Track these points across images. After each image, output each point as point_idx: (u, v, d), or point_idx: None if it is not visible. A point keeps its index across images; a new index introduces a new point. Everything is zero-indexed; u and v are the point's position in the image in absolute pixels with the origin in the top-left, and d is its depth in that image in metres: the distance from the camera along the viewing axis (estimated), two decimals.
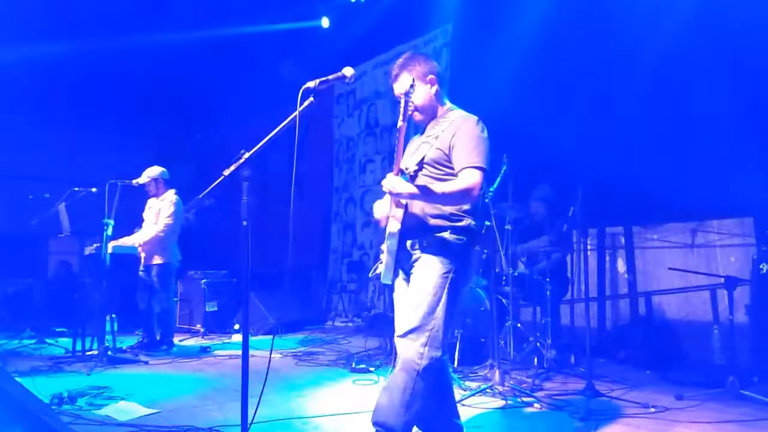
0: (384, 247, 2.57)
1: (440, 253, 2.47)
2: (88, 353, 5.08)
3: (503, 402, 3.61)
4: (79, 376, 4.40)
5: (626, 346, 4.94)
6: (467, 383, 4.02)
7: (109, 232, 5.07)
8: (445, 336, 2.43)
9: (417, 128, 2.80)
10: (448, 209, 2.50)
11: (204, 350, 5.79)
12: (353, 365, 4.74)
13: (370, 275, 2.81)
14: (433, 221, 2.50)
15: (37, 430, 2.38)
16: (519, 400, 3.65)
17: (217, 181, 2.57)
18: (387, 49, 8.58)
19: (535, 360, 4.49)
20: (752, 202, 4.46)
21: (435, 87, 2.65)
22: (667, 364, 4.51)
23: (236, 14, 8.41)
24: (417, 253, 2.53)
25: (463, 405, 3.47)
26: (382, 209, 2.67)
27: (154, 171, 5.94)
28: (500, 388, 3.78)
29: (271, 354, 2.81)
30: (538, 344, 4.59)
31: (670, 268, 4.96)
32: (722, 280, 3.94)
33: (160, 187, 5.95)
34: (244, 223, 2.32)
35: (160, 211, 5.87)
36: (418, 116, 2.67)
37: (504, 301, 4.91)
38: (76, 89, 9.22)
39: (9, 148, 9.79)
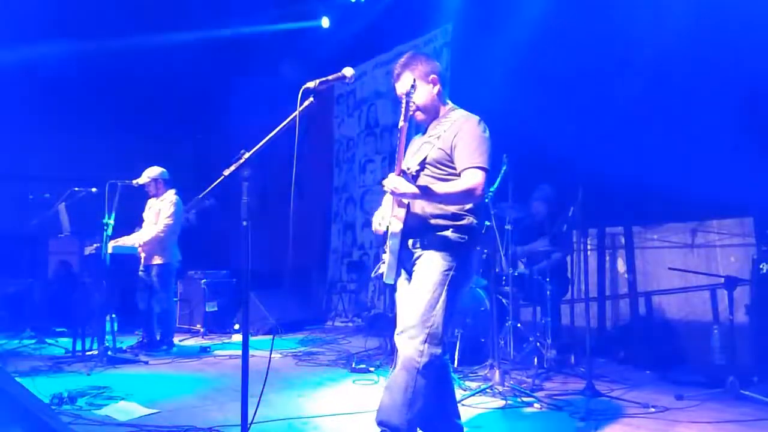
0: (386, 247, 2.57)
1: (441, 250, 2.47)
2: (88, 353, 5.08)
3: (503, 402, 3.61)
4: (79, 376, 4.40)
5: (626, 346, 4.94)
6: (467, 383, 4.02)
7: (109, 231, 5.08)
8: (444, 333, 2.44)
9: (418, 128, 2.80)
10: (451, 209, 2.50)
11: (204, 350, 5.79)
12: (353, 365, 4.74)
13: (372, 275, 2.81)
14: (435, 220, 2.50)
15: (37, 430, 2.38)
16: (519, 400, 3.64)
17: (217, 181, 2.57)
18: (387, 49, 8.58)
19: (535, 360, 4.49)
20: (752, 202, 4.46)
21: (437, 87, 2.65)
22: (667, 364, 4.50)
23: (236, 14, 8.41)
24: (418, 251, 2.53)
25: (463, 405, 3.46)
26: (381, 218, 2.66)
27: (154, 171, 5.94)
28: (500, 388, 3.78)
29: (271, 354, 2.81)
30: (538, 344, 4.59)
31: (670, 268, 4.96)
32: (722, 280, 3.94)
33: (160, 187, 5.95)
34: (244, 223, 2.32)
35: (160, 211, 5.87)
36: (420, 116, 2.66)
37: (504, 301, 4.91)
38: (76, 89, 9.21)
39: (9, 149, 9.80)
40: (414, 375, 2.38)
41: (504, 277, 4.75)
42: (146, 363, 5.07)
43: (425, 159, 2.55)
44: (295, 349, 5.85)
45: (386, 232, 2.59)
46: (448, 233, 2.48)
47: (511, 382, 3.93)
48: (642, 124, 5.11)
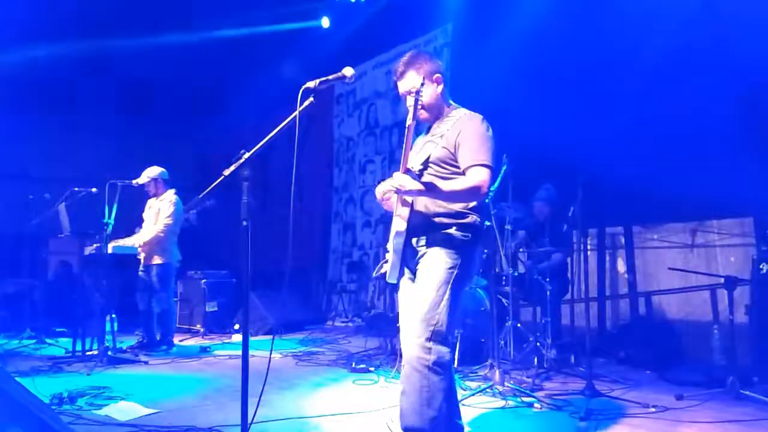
0: (390, 246, 2.57)
1: (446, 248, 2.47)
2: (88, 353, 5.08)
3: (503, 402, 3.61)
4: (79, 376, 4.40)
5: (626, 346, 4.94)
6: (467, 383, 4.02)
7: (109, 231, 5.08)
8: (449, 332, 2.44)
9: (420, 128, 2.80)
10: (455, 207, 2.50)
11: (204, 350, 5.79)
12: (353, 365, 4.74)
13: (375, 275, 2.81)
14: (439, 219, 2.50)
15: (37, 430, 2.38)
16: (519, 400, 3.64)
17: (217, 181, 2.57)
18: (387, 49, 8.59)
19: (535, 360, 4.49)
20: (752, 202, 4.46)
21: (441, 86, 2.65)
22: (667, 364, 4.50)
23: (237, 14, 8.41)
24: (422, 249, 2.53)
25: (464, 405, 3.46)
26: (384, 188, 2.65)
27: (153, 171, 5.94)
28: (500, 388, 3.78)
29: (271, 354, 2.81)
30: (538, 344, 4.59)
31: (670, 268, 4.96)
32: (722, 280, 3.94)
33: (160, 187, 5.95)
34: (244, 223, 2.32)
35: (159, 211, 5.87)
36: (423, 115, 2.66)
37: (504, 301, 4.90)
38: (76, 89, 9.22)
39: (9, 149, 9.79)
40: (426, 374, 2.39)
41: (504, 277, 4.75)
42: (146, 363, 5.07)
43: (429, 158, 2.55)
44: (295, 349, 5.85)
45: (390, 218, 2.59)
46: (452, 231, 2.48)
47: (511, 382, 3.93)
48: (642, 124, 5.11)
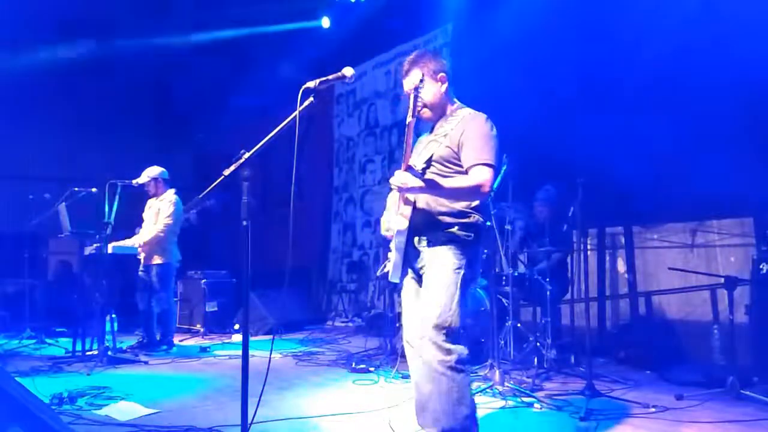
0: (392, 245, 2.56)
1: (450, 249, 2.47)
2: (88, 353, 5.08)
3: (503, 402, 3.61)
4: (79, 376, 4.40)
5: (626, 346, 4.94)
6: None
7: (108, 231, 5.08)
8: (460, 330, 2.46)
9: (424, 128, 2.79)
10: (456, 206, 2.50)
11: (204, 350, 5.79)
12: (353, 365, 4.74)
13: (378, 274, 2.82)
14: (441, 217, 2.50)
15: (37, 430, 2.38)
16: (519, 400, 3.64)
17: (217, 181, 2.57)
18: (387, 49, 8.58)
19: (535, 360, 4.49)
20: (752, 202, 4.46)
21: (445, 85, 2.65)
22: (667, 364, 4.50)
23: (237, 14, 8.41)
24: (425, 249, 2.52)
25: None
26: (388, 221, 2.66)
27: (153, 171, 5.94)
28: (500, 388, 3.78)
29: (271, 354, 2.81)
30: (538, 344, 4.59)
31: (670, 268, 4.96)
32: (722, 280, 3.94)
33: (160, 187, 5.95)
34: (244, 223, 2.32)
35: (159, 211, 5.87)
36: (427, 113, 2.66)
37: (504, 301, 4.90)
38: (77, 89, 9.23)
39: (9, 149, 9.79)
40: (450, 374, 2.41)
41: (504, 277, 4.75)
42: (146, 363, 5.07)
43: (432, 157, 2.55)
44: (295, 349, 5.85)
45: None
46: (455, 230, 2.48)
47: (511, 382, 3.93)
48: (642, 124, 5.10)
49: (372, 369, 4.63)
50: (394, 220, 2.60)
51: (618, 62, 5.13)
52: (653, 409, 3.40)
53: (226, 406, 3.58)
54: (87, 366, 4.62)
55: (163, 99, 9.95)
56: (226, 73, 9.71)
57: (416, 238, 2.55)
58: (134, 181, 5.60)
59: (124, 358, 5.16)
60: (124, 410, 3.43)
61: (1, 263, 7.27)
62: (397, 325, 5.18)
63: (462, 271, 2.47)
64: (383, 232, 2.72)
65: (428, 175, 2.51)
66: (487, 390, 3.79)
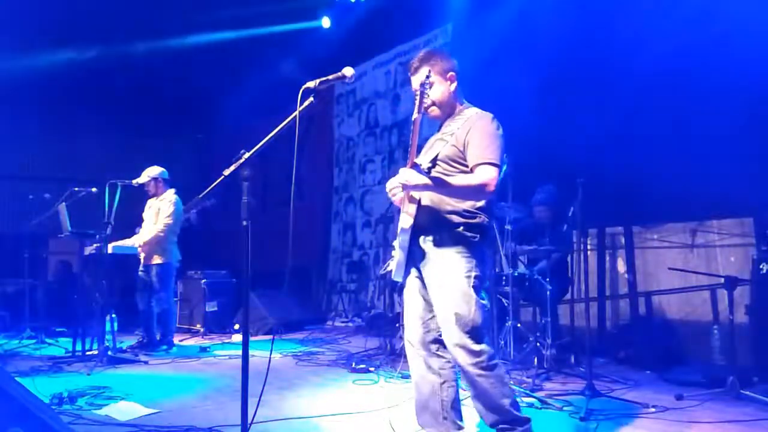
0: (396, 243, 2.56)
1: (457, 251, 2.47)
2: (88, 353, 5.08)
3: None
4: (79, 376, 4.40)
5: (626, 346, 4.94)
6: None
7: (108, 231, 5.08)
8: (483, 324, 2.48)
9: (432, 128, 2.78)
10: (462, 205, 2.49)
11: (204, 350, 5.79)
12: (353, 365, 4.73)
13: (381, 272, 2.82)
14: (446, 216, 2.49)
15: (37, 430, 2.38)
16: (519, 400, 3.63)
17: (217, 181, 2.57)
18: (387, 49, 8.59)
19: (535, 360, 4.49)
20: (752, 202, 4.46)
21: (454, 84, 2.65)
22: (667, 364, 4.50)
23: (237, 14, 8.41)
24: (431, 250, 2.51)
25: (464, 405, 3.46)
26: (393, 184, 2.64)
27: (153, 171, 5.94)
28: None
29: (271, 354, 2.81)
30: (538, 344, 4.59)
31: (670, 268, 4.96)
32: (722, 280, 3.93)
33: (160, 187, 5.95)
34: (244, 223, 2.32)
35: (159, 211, 5.87)
36: (434, 112, 2.65)
37: (504, 301, 4.90)
38: (77, 90, 9.23)
39: (9, 149, 9.80)
40: (487, 374, 2.43)
41: (504, 277, 4.75)
42: (146, 363, 5.07)
43: (437, 156, 2.54)
44: (295, 349, 5.84)
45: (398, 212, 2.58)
46: (461, 231, 2.47)
47: (511, 382, 3.91)
48: (642, 124, 5.10)
49: (372, 369, 4.63)
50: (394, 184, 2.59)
51: (618, 62, 5.13)
52: (653, 409, 3.40)
53: (226, 406, 3.58)
54: (87, 366, 4.62)
55: (163, 99, 9.94)
56: (227, 73, 9.72)
57: (421, 237, 2.53)
58: (134, 181, 5.60)
59: (124, 358, 5.17)
60: (124, 410, 3.43)
61: (1, 263, 7.28)
62: (397, 324, 5.19)
63: (473, 273, 2.46)
64: (387, 191, 2.68)
65: (433, 174, 2.50)
66: None
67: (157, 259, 5.75)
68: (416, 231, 2.51)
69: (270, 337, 6.42)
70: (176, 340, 6.03)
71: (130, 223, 6.16)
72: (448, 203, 2.50)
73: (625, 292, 5.54)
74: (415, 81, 2.63)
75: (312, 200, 9.62)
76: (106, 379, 4.32)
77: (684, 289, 5.06)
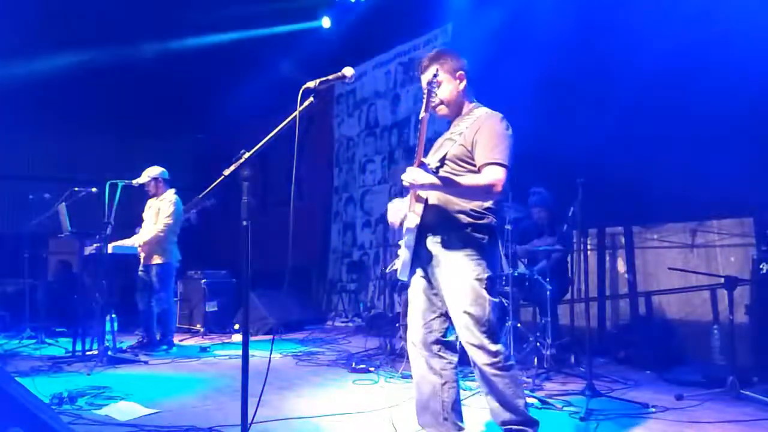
0: (402, 242, 2.55)
1: (466, 254, 2.46)
2: (88, 353, 5.08)
3: None
4: (79, 376, 4.40)
5: (626, 346, 4.94)
6: (467, 383, 4.02)
7: (108, 231, 5.08)
8: (497, 324, 2.49)
9: (441, 128, 2.77)
10: (469, 206, 2.48)
11: (204, 350, 5.79)
12: (353, 365, 4.74)
13: (387, 271, 2.81)
14: (454, 216, 2.48)
15: (37, 430, 2.38)
16: None
17: (217, 181, 2.57)
18: (387, 49, 8.59)
19: (535, 360, 4.49)
20: (752, 202, 4.46)
21: (463, 83, 2.64)
22: (667, 364, 4.50)
23: (237, 14, 8.41)
24: (439, 252, 2.50)
25: (464, 405, 3.45)
26: (396, 212, 2.64)
27: (154, 171, 5.94)
28: None
29: (271, 354, 2.81)
30: (538, 344, 4.59)
31: (670, 268, 4.96)
32: (722, 280, 3.94)
33: (160, 187, 5.95)
34: (244, 223, 2.32)
35: (159, 211, 5.87)
36: (443, 110, 2.64)
37: (504, 301, 4.90)
38: (76, 90, 9.22)
39: (9, 149, 9.80)
40: (503, 374, 2.45)
41: (504, 277, 4.75)
42: (146, 363, 5.07)
43: (446, 155, 2.54)
44: (295, 349, 5.84)
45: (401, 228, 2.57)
46: (469, 232, 2.47)
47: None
48: (642, 123, 5.10)
49: (372, 369, 4.63)
50: (397, 213, 2.59)
51: (618, 62, 5.13)
52: (653, 409, 3.40)
53: (226, 406, 3.58)
54: (87, 366, 4.62)
55: (163, 99, 9.94)
56: (227, 73, 9.72)
57: (429, 238, 2.52)
58: (134, 181, 5.60)
59: (124, 358, 5.16)
60: (124, 410, 3.43)
61: (1, 263, 7.28)
62: (397, 324, 5.19)
63: (485, 275, 2.46)
64: (390, 219, 2.69)
65: (441, 173, 2.49)
66: None
67: (157, 259, 5.75)
68: (423, 231, 2.50)
69: (270, 337, 6.41)
70: (176, 340, 6.03)
71: (130, 223, 6.16)
72: (456, 203, 2.48)
73: (625, 292, 5.54)
74: (424, 79, 2.61)
75: (312, 200, 9.62)
76: (106, 379, 4.32)
77: (684, 289, 5.06)
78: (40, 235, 6.73)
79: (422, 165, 2.43)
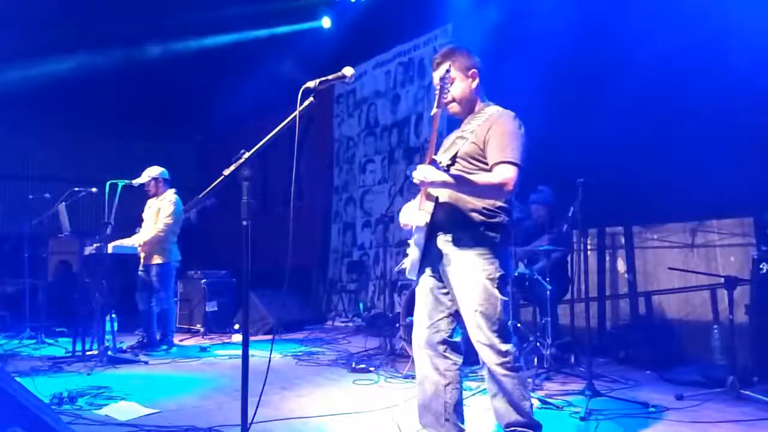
0: (411, 241, 2.54)
1: (478, 253, 2.45)
2: (88, 353, 5.08)
3: None
4: (79, 376, 4.40)
5: (626, 346, 4.94)
6: (467, 383, 4.02)
7: (108, 231, 5.08)
8: (508, 322, 2.48)
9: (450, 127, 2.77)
10: (482, 204, 2.47)
11: (204, 350, 5.79)
12: (353, 365, 4.74)
13: (396, 269, 2.80)
14: (466, 215, 2.47)
15: (37, 430, 2.38)
16: None
17: (217, 181, 2.57)
18: (387, 49, 8.59)
19: (535, 360, 4.49)
20: (752, 202, 4.46)
21: (476, 81, 2.64)
22: (667, 364, 4.50)
23: (237, 14, 8.41)
24: (451, 251, 2.49)
25: (466, 406, 3.45)
26: (409, 214, 2.62)
27: (154, 171, 5.94)
28: None
29: (271, 354, 2.81)
30: (538, 344, 4.59)
31: (670, 268, 4.96)
32: (722, 280, 3.94)
33: (160, 187, 5.95)
34: (244, 223, 2.32)
35: (159, 211, 5.87)
36: (454, 108, 2.63)
37: None
38: (76, 90, 9.23)
39: (9, 149, 9.80)
40: (512, 374, 2.45)
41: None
42: (146, 363, 5.07)
43: (457, 153, 2.53)
44: (295, 349, 5.84)
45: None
46: (482, 230, 2.46)
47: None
48: (642, 123, 5.10)
49: (372, 369, 4.63)
50: (415, 215, 2.56)
51: (618, 62, 5.13)
52: (653, 409, 3.40)
53: (226, 406, 3.58)
54: (87, 366, 4.62)
55: (163, 99, 9.94)
56: (227, 73, 9.72)
57: (440, 236, 2.51)
58: (134, 181, 5.60)
59: (124, 358, 5.16)
60: (124, 410, 3.43)
61: (1, 263, 7.28)
62: (397, 325, 5.19)
63: (498, 274, 2.45)
64: (401, 222, 2.69)
65: (452, 171, 2.48)
66: (487, 390, 3.78)
67: (157, 259, 5.75)
68: (433, 229, 2.49)
69: (270, 337, 6.42)
70: (176, 340, 6.03)
71: (130, 223, 6.16)
72: (468, 201, 2.47)
73: (625, 292, 5.54)
74: (436, 76, 2.61)
75: (312, 200, 9.62)
76: (106, 379, 4.32)
77: (684, 289, 5.06)
78: (40, 235, 6.73)
79: (433, 162, 2.42)
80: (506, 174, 2.39)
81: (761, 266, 4.11)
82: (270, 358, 2.66)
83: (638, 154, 4.94)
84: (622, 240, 5.63)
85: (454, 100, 2.59)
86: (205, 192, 3.13)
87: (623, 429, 3.11)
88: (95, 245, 5.48)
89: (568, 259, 5.27)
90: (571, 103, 5.41)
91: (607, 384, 4.08)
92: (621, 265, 5.63)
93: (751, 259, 4.34)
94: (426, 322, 2.61)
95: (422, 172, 2.37)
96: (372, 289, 8.31)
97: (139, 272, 5.82)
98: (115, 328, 5.31)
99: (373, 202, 8.66)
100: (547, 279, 4.71)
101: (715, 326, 4.55)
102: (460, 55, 2.63)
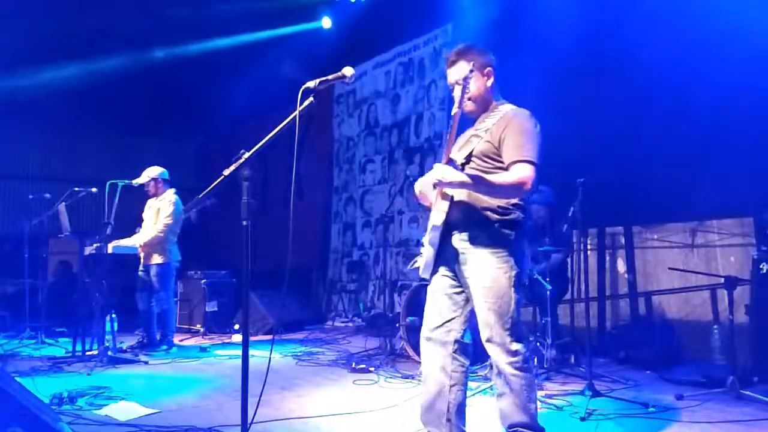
0: (425, 240, 2.54)
1: (494, 250, 2.44)
2: (88, 353, 5.08)
3: None
4: (79, 376, 4.40)
5: (626, 346, 4.94)
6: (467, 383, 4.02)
7: (108, 231, 5.08)
8: (520, 323, 2.47)
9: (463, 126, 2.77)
10: (496, 202, 2.46)
11: (204, 350, 5.79)
12: (353, 365, 4.73)
13: (409, 268, 2.80)
14: (481, 213, 2.46)
15: (37, 430, 2.38)
16: None
17: (217, 181, 2.57)
18: (387, 49, 8.59)
19: (535, 360, 4.48)
20: (752, 202, 4.46)
21: (491, 80, 2.63)
22: (667, 364, 4.50)
23: (236, 14, 8.40)
24: (467, 250, 2.49)
25: (469, 407, 3.45)
26: (423, 182, 2.60)
27: (153, 171, 5.94)
28: None
29: (271, 354, 2.81)
30: (538, 344, 4.59)
31: (670, 268, 4.96)
32: (722, 280, 3.94)
33: (160, 187, 5.95)
34: (244, 223, 2.32)
35: (159, 211, 5.87)
36: (470, 106, 2.61)
37: None
38: (76, 90, 9.23)
39: (10, 149, 9.81)
40: (520, 375, 2.44)
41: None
42: (146, 363, 5.07)
43: (472, 152, 2.52)
44: (295, 350, 5.84)
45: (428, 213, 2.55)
46: (497, 228, 2.45)
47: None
48: (642, 123, 5.10)
49: (372, 369, 4.63)
50: (429, 189, 2.55)
51: (618, 62, 5.13)
52: (653, 409, 3.40)
53: (226, 406, 3.58)
54: (87, 366, 4.62)
55: (163, 99, 9.94)
56: (226, 73, 9.72)
57: (455, 235, 2.51)
58: (134, 181, 5.60)
59: (124, 358, 5.16)
60: (124, 410, 3.43)
61: (1, 263, 7.28)
62: (397, 325, 5.19)
63: (513, 272, 2.45)
64: (416, 190, 2.66)
65: (468, 171, 2.47)
66: (487, 390, 3.79)
67: (157, 259, 5.75)
68: (448, 228, 2.48)
69: (270, 337, 6.41)
70: (176, 340, 6.03)
71: (130, 223, 6.16)
72: (483, 200, 2.46)
73: (625, 292, 5.54)
74: (452, 74, 2.59)
75: (312, 200, 9.62)
76: (106, 379, 4.32)
77: (684, 289, 5.06)
78: (40, 235, 6.73)
79: (450, 162, 2.41)
80: (523, 173, 2.38)
81: (761, 266, 4.11)
82: (270, 358, 2.66)
83: (638, 154, 4.94)
84: (622, 240, 5.63)
85: (469, 99, 2.56)
86: (205, 192, 3.13)
87: (623, 429, 3.11)
88: (95, 245, 5.48)
89: (568, 259, 5.27)
90: (571, 103, 5.40)
91: (607, 384, 4.08)
92: (621, 265, 5.63)
93: (751, 259, 4.34)
94: (437, 321, 2.59)
95: (440, 172, 2.35)
96: (372, 289, 8.31)
97: (139, 272, 5.82)
98: (115, 328, 5.31)
99: (373, 202, 8.66)
100: (547, 279, 4.72)
101: (715, 326, 4.55)
102: (477, 52, 2.62)
